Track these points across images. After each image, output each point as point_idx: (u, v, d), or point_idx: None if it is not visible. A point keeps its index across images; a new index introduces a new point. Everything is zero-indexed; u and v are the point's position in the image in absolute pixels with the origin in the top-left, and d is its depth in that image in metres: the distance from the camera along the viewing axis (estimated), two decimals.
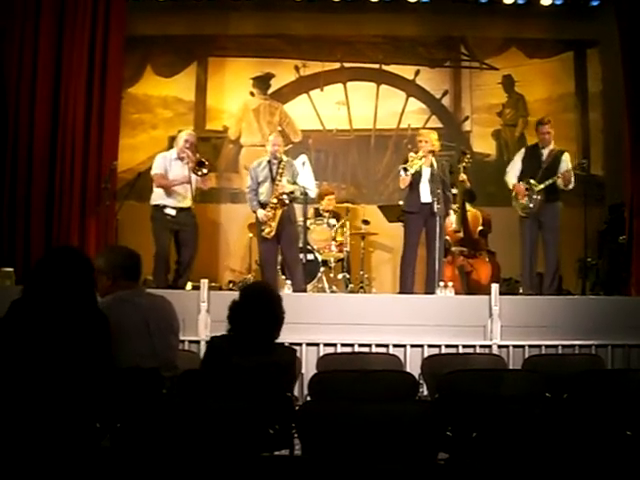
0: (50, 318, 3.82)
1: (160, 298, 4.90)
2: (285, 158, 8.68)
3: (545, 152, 8.67)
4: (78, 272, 3.96)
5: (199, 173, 8.45)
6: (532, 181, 8.49)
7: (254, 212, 8.71)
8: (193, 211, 8.70)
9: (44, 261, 4.11)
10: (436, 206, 8.07)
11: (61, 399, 3.67)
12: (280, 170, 8.52)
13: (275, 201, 8.45)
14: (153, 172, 8.64)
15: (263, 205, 8.56)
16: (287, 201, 8.47)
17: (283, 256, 8.83)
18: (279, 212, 8.46)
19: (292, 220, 8.67)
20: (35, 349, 3.75)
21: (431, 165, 8.32)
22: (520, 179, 8.64)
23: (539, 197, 8.43)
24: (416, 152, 8.38)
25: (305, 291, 8.61)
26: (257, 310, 4.64)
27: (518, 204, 8.59)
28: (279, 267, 9.17)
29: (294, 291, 8.28)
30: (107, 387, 3.92)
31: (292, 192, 8.51)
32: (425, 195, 8.32)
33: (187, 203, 8.57)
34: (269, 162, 8.66)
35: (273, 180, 8.55)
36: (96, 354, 3.89)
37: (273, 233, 8.47)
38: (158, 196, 8.55)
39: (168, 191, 8.49)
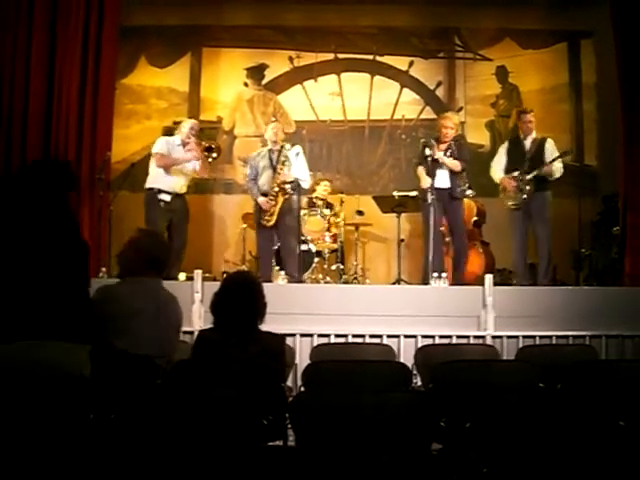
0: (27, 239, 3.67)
1: (170, 295, 4.92)
2: (288, 146, 8.68)
3: (528, 142, 8.72)
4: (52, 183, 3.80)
5: (210, 159, 8.45)
6: (516, 173, 8.50)
7: (255, 200, 8.71)
8: (186, 199, 8.69)
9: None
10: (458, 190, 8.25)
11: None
12: (283, 158, 8.53)
13: (277, 190, 8.45)
14: (154, 151, 8.59)
15: (264, 194, 8.57)
16: (289, 190, 8.47)
17: (280, 245, 8.83)
18: (280, 201, 8.46)
19: (292, 210, 8.62)
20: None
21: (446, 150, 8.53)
22: (507, 172, 8.65)
23: (529, 188, 8.43)
24: (437, 140, 8.57)
25: (300, 282, 8.58)
26: (235, 299, 4.71)
27: (507, 198, 8.60)
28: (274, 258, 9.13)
29: (289, 282, 8.28)
30: (105, 368, 3.89)
31: (293, 181, 8.50)
32: (443, 180, 8.46)
33: (183, 189, 8.54)
34: (269, 151, 8.66)
35: (274, 169, 8.55)
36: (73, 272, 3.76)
37: (273, 222, 8.47)
38: (154, 179, 8.48)
39: (167, 170, 8.43)
